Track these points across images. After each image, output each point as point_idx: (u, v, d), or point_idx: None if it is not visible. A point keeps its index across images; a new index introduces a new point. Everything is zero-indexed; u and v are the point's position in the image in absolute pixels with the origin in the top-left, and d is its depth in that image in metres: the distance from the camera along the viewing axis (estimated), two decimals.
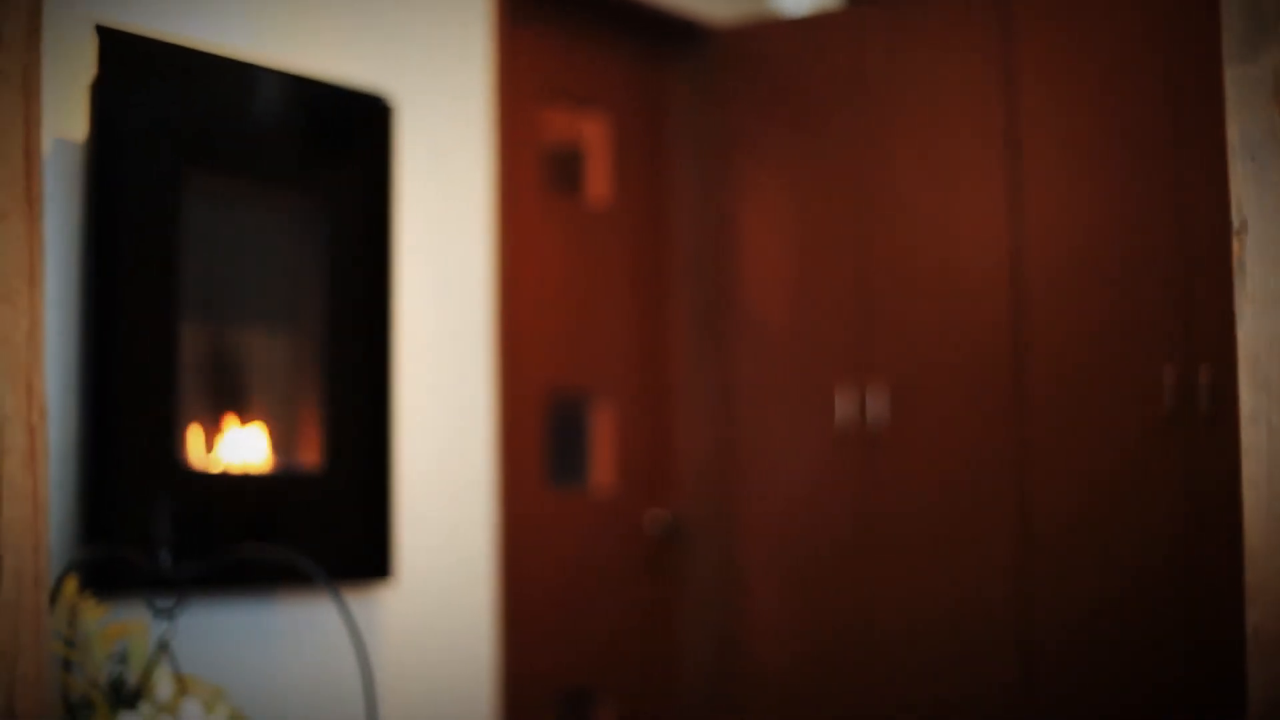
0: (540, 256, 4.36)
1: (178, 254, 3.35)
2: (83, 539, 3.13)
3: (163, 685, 2.97)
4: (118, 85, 3.24)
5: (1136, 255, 3.95)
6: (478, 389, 4.09)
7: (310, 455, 3.64)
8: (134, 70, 3.28)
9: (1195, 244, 3.84)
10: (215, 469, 3.45)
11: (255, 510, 3.49)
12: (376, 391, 3.73)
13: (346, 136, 3.74)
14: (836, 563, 4.39)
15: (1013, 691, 4.07)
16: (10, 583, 2.29)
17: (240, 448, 3.52)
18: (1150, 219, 3.94)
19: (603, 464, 4.60)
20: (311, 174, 3.70)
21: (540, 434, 4.35)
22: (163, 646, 3.01)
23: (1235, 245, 2.49)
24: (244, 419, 3.55)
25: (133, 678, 2.97)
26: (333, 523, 3.62)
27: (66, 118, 3.18)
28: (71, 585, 2.94)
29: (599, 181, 4.65)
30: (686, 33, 4.72)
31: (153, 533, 3.16)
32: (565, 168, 4.64)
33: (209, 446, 3.47)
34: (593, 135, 4.66)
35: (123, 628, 2.98)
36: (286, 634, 3.54)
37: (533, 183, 4.36)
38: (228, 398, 3.54)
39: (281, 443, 3.62)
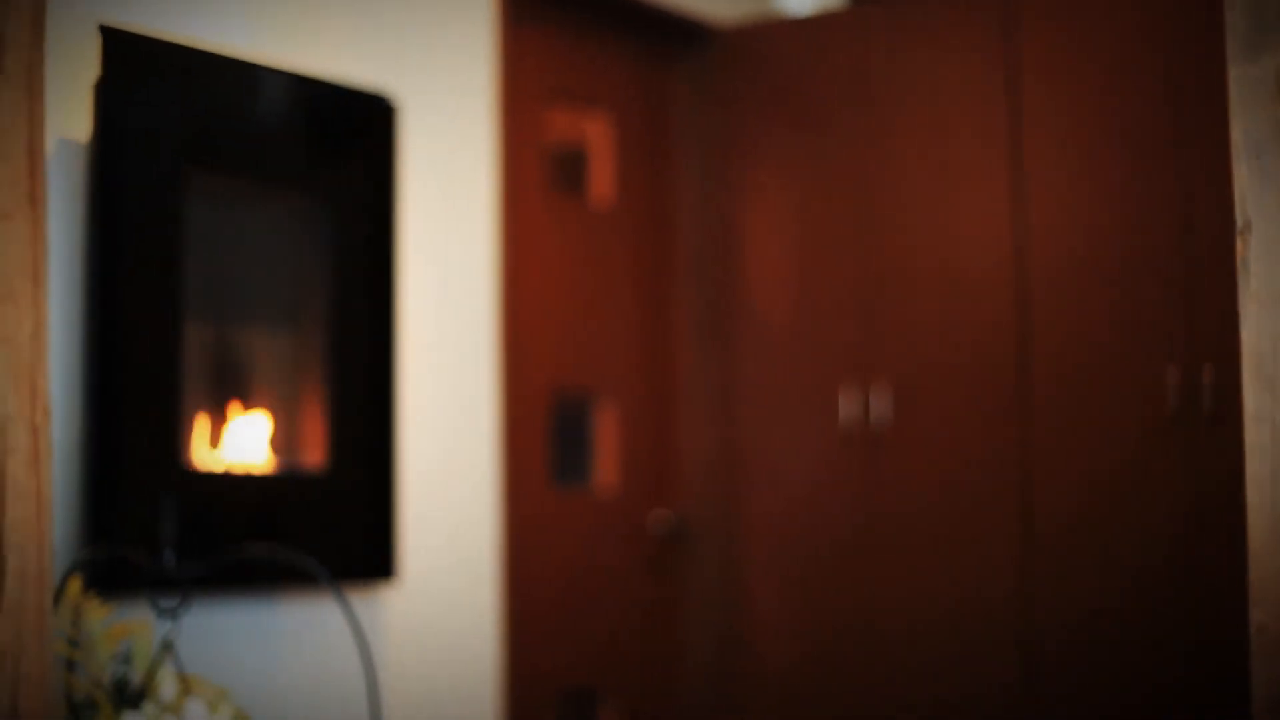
0: (543, 256, 4.36)
1: (181, 254, 3.35)
2: (86, 539, 3.13)
3: (166, 685, 2.97)
4: (121, 85, 3.24)
5: (1139, 255, 3.95)
6: (481, 388, 4.09)
7: (314, 455, 3.64)
8: (138, 70, 3.29)
9: (1198, 244, 3.84)
10: (219, 469, 3.45)
11: (259, 510, 3.49)
12: (380, 391, 3.73)
13: (350, 136, 3.74)
14: (839, 562, 4.39)
15: (1014, 691, 4.07)
16: (14, 583, 2.29)
17: (243, 447, 3.52)
18: (1153, 219, 3.93)
19: (606, 464, 4.60)
20: (315, 174, 3.70)
21: (543, 434, 4.35)
22: (166, 646, 3.01)
23: (1239, 245, 2.49)
24: (247, 419, 3.56)
25: (136, 678, 2.97)
26: (336, 522, 3.63)
27: (70, 117, 3.18)
28: (75, 585, 2.94)
29: (602, 181, 4.65)
30: (690, 33, 4.72)
31: (156, 533, 3.16)
32: (568, 168, 4.64)
33: (212, 446, 3.47)
34: (596, 135, 4.66)
35: (126, 628, 2.98)
36: (290, 634, 3.54)
37: (536, 183, 4.36)
38: (231, 397, 3.54)
39: (285, 442, 3.63)
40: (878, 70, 4.39)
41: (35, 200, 2.37)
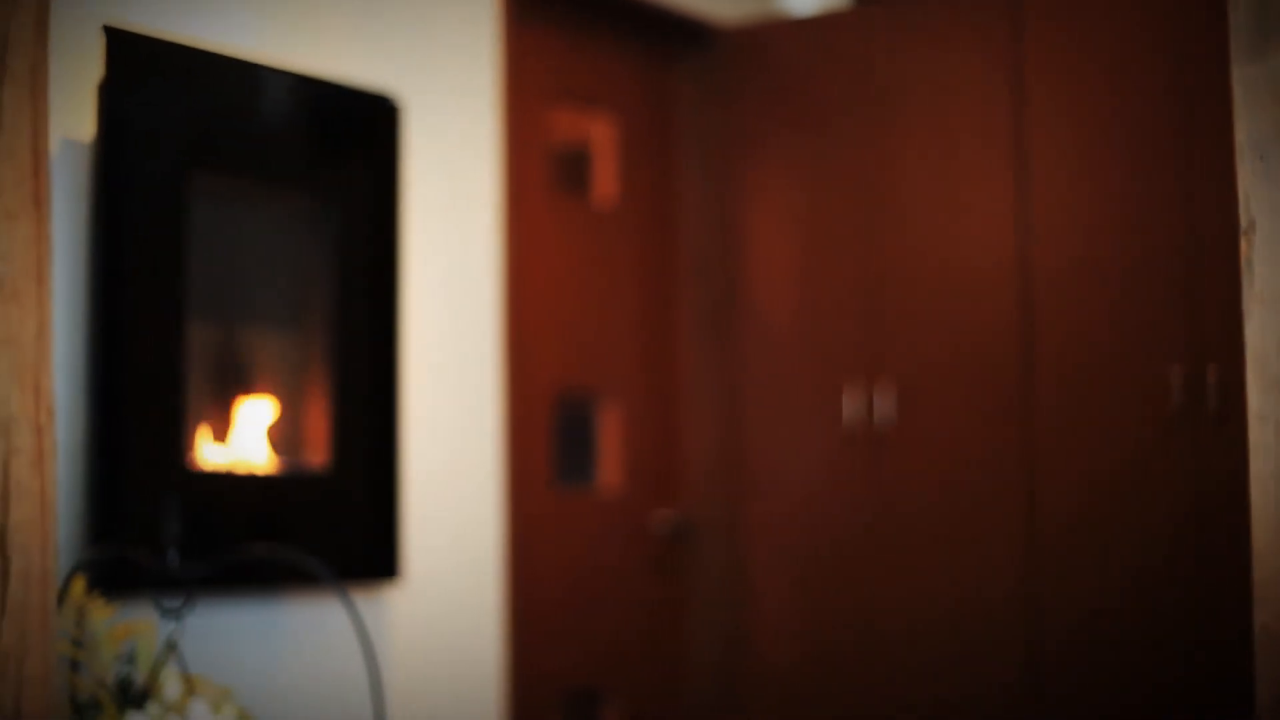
0: (547, 256, 4.36)
1: (185, 254, 3.35)
2: (90, 539, 3.13)
3: (170, 685, 2.97)
4: (125, 86, 3.24)
5: (1144, 254, 3.94)
6: (485, 388, 4.09)
7: (318, 455, 3.64)
8: (141, 71, 3.29)
9: (1202, 243, 3.83)
10: (222, 469, 3.45)
11: (262, 510, 3.49)
12: (384, 391, 3.73)
13: (353, 137, 3.74)
14: (843, 562, 4.39)
15: (1019, 690, 4.07)
16: (18, 583, 2.29)
17: (247, 447, 3.52)
18: (1157, 218, 3.93)
19: (610, 464, 4.60)
20: (318, 174, 3.70)
21: (547, 434, 4.35)
22: (170, 646, 3.01)
23: (1243, 244, 2.49)
24: (251, 419, 3.56)
25: (140, 678, 2.97)
26: (340, 523, 3.63)
27: (74, 118, 3.19)
28: (79, 585, 2.94)
29: (606, 181, 4.65)
30: (693, 33, 4.72)
31: (160, 533, 3.16)
32: (572, 168, 4.64)
33: (216, 446, 3.48)
34: (600, 135, 4.66)
35: (130, 628, 2.99)
36: (294, 634, 3.55)
37: (540, 183, 4.36)
38: (235, 397, 3.54)
39: (288, 442, 3.63)
40: (881, 70, 4.39)
41: (39, 200, 2.37)
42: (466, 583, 3.99)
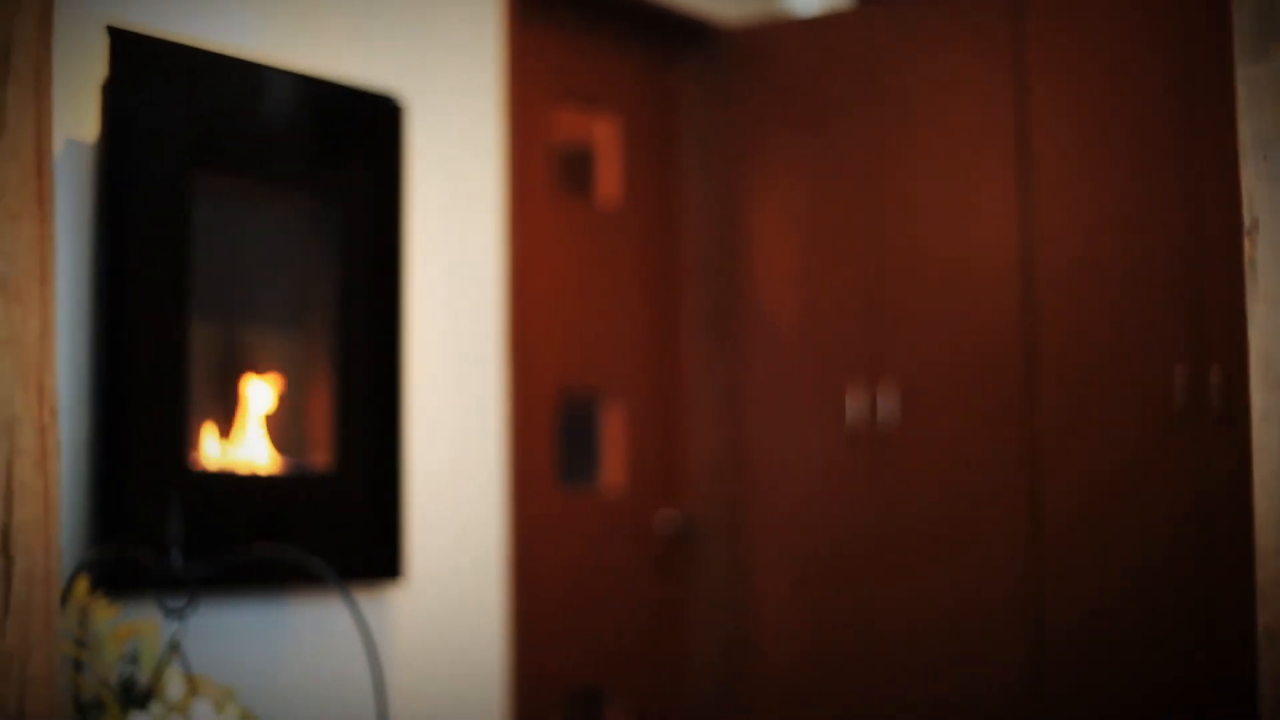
0: (550, 256, 4.36)
1: (188, 254, 3.35)
2: (94, 539, 3.13)
3: (173, 685, 2.97)
4: (129, 86, 3.24)
5: (1147, 254, 3.94)
6: (488, 388, 4.09)
7: (320, 455, 3.64)
8: (145, 71, 3.29)
9: (1206, 243, 3.83)
10: (225, 469, 3.45)
11: (266, 510, 3.49)
12: (387, 391, 3.73)
13: (356, 137, 3.74)
14: (846, 562, 4.39)
15: (1022, 690, 4.07)
16: (21, 583, 2.29)
17: (251, 447, 3.52)
18: (1160, 218, 3.93)
19: (613, 464, 4.60)
20: (322, 174, 3.70)
21: (550, 434, 4.35)
22: (173, 646, 3.01)
23: (1247, 244, 2.49)
24: (253, 418, 3.56)
25: (143, 678, 2.97)
26: (343, 523, 3.63)
27: (77, 118, 3.19)
28: (82, 585, 2.94)
29: (609, 181, 4.65)
30: (696, 33, 4.72)
31: (164, 533, 3.16)
32: (575, 168, 4.64)
33: (219, 446, 3.48)
34: (603, 135, 4.66)
35: (133, 628, 2.99)
36: (297, 634, 3.55)
37: (543, 183, 4.36)
38: (238, 397, 3.54)
39: (292, 442, 3.63)
40: (884, 70, 4.39)
41: (43, 200, 2.37)
42: (469, 582, 3.99)
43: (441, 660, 3.90)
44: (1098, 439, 3.99)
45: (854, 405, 4.37)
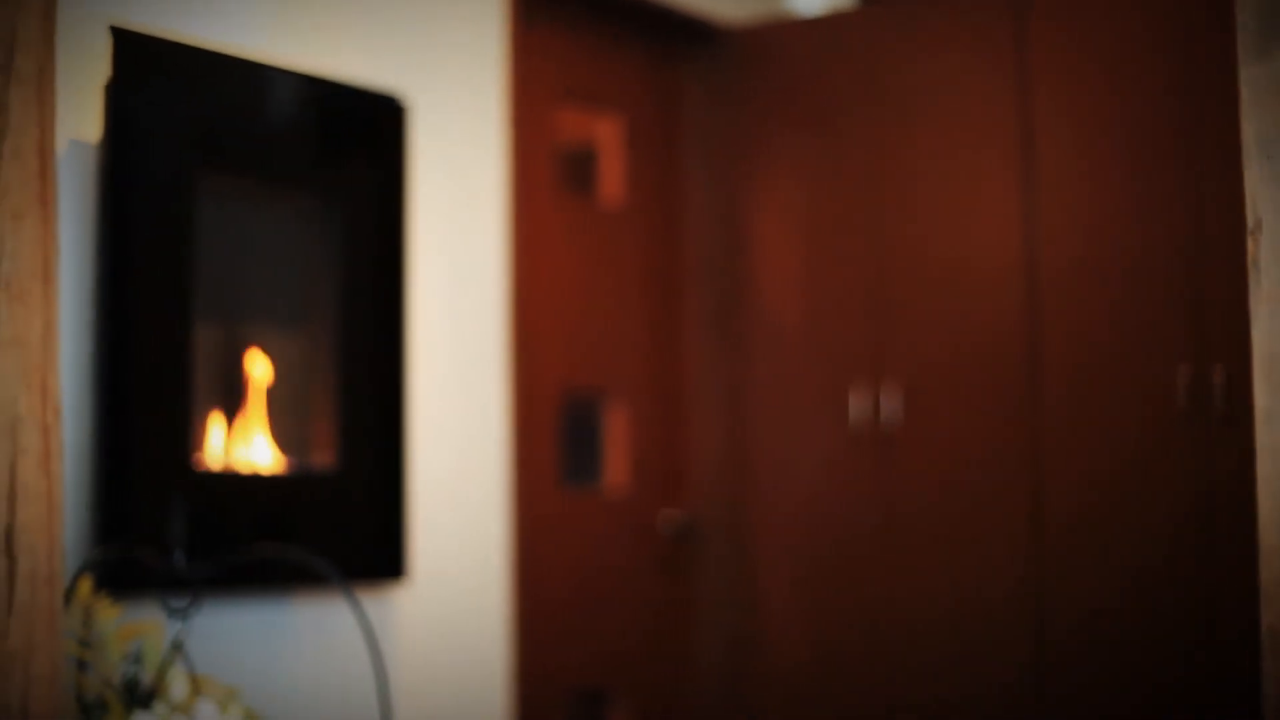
0: (553, 256, 4.36)
1: (192, 254, 3.35)
2: (97, 539, 3.13)
3: (177, 685, 2.97)
4: (132, 86, 3.24)
5: (1150, 254, 3.94)
6: (491, 388, 4.09)
7: (324, 455, 3.64)
8: (148, 71, 3.29)
9: (1210, 243, 3.83)
10: (229, 469, 3.45)
11: (269, 510, 3.49)
12: (390, 391, 3.73)
13: (360, 137, 3.74)
14: (849, 562, 4.39)
15: (1025, 690, 4.06)
16: (25, 583, 2.29)
17: (254, 447, 3.53)
18: (1164, 218, 3.93)
19: (616, 464, 4.60)
20: (325, 174, 3.70)
21: (554, 434, 4.35)
22: (177, 646, 3.01)
23: (1250, 244, 2.48)
24: (258, 419, 3.56)
25: (147, 678, 2.97)
26: (347, 523, 3.63)
27: (81, 119, 3.19)
28: (86, 585, 2.94)
29: (612, 181, 4.65)
30: (700, 33, 4.72)
31: (167, 533, 3.16)
32: (579, 168, 4.64)
33: (223, 446, 3.48)
34: (606, 135, 4.66)
35: (137, 628, 2.99)
36: (301, 634, 3.55)
37: (546, 183, 4.36)
38: (241, 398, 3.55)
39: (295, 442, 3.63)
40: (887, 70, 4.39)
41: (46, 201, 2.37)
42: (473, 583, 4.00)
43: (445, 660, 3.90)
44: (1100, 439, 3.99)
45: (857, 405, 4.36)
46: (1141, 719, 3.89)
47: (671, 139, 4.77)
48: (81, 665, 2.91)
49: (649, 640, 4.59)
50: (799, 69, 4.59)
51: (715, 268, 4.71)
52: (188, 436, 3.33)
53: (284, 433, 3.59)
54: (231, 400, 3.52)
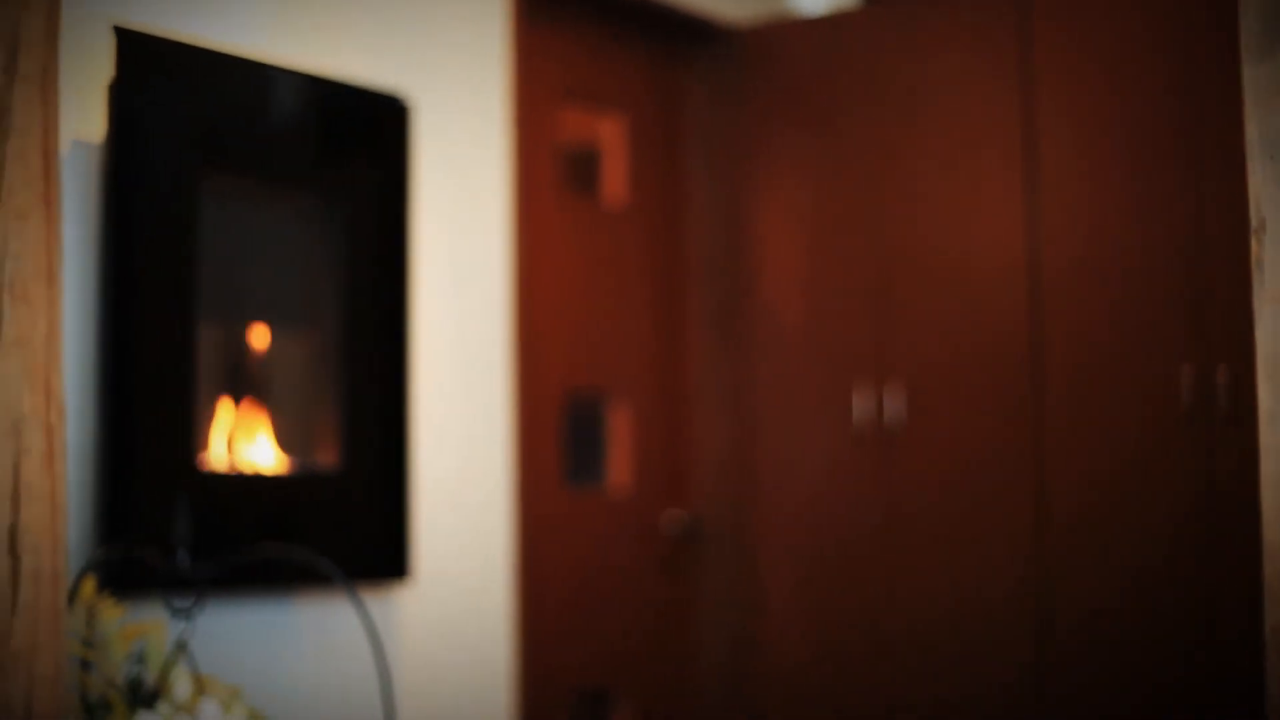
0: (557, 256, 4.36)
1: (195, 254, 3.36)
2: (101, 539, 3.14)
3: (180, 685, 2.97)
4: (135, 86, 3.25)
5: (1154, 254, 3.94)
6: (495, 389, 4.09)
7: (328, 455, 3.64)
8: (152, 71, 3.29)
9: (1213, 243, 3.83)
10: (232, 469, 3.45)
11: (273, 510, 3.49)
12: (393, 391, 3.73)
13: (363, 137, 3.74)
14: (853, 562, 4.39)
15: (1029, 689, 4.06)
16: (28, 583, 2.29)
17: (258, 447, 3.53)
18: (1167, 218, 3.93)
19: (620, 464, 4.60)
20: (328, 174, 3.70)
21: (557, 434, 4.35)
22: (180, 646, 3.01)
23: (1254, 244, 2.48)
24: (261, 419, 3.56)
25: (150, 678, 2.98)
26: (350, 523, 3.63)
27: (84, 119, 3.19)
28: (89, 585, 2.94)
29: (616, 181, 4.65)
30: (703, 33, 4.72)
31: (171, 533, 3.16)
32: (582, 168, 4.64)
33: (227, 447, 3.48)
34: (609, 135, 4.66)
35: (141, 628, 2.99)
36: (304, 634, 3.55)
37: (549, 183, 4.36)
38: (244, 397, 3.55)
39: (299, 443, 3.63)
40: (890, 70, 4.39)
41: (50, 201, 2.37)
42: (476, 583, 4.00)
43: (448, 660, 3.90)
44: (1104, 439, 3.98)
45: (859, 405, 4.36)
46: (1143, 719, 3.89)
47: (674, 139, 4.77)
48: (85, 665, 2.91)
49: (652, 640, 4.59)
50: (802, 69, 4.59)
51: (718, 268, 4.71)
52: (191, 436, 3.33)
53: (287, 433, 3.60)
54: (235, 400, 3.52)
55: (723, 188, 4.71)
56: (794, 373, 4.53)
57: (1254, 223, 2.48)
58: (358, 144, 3.73)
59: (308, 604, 3.55)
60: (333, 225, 3.69)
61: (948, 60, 4.30)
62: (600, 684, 4.49)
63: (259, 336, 3.62)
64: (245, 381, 3.57)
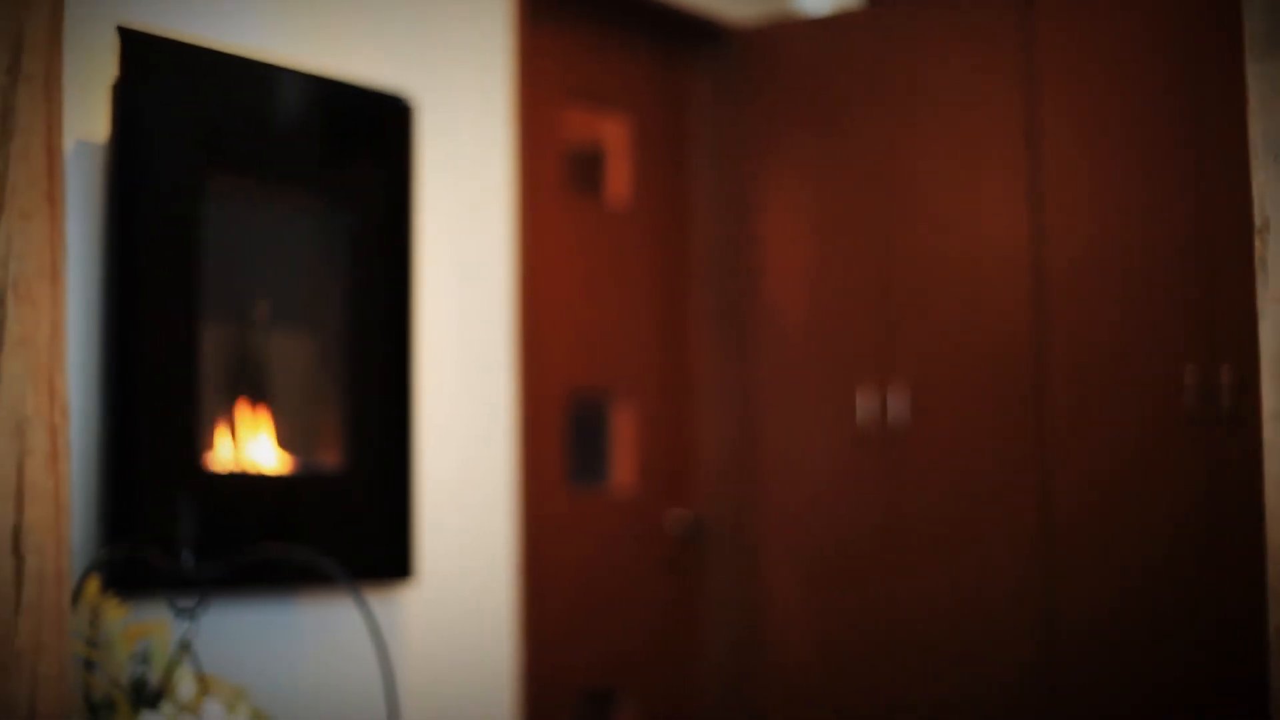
0: (561, 256, 4.36)
1: (198, 254, 3.36)
2: (105, 539, 3.14)
3: (184, 685, 2.97)
4: (139, 86, 3.25)
5: (1158, 254, 3.94)
6: (498, 388, 4.09)
7: (331, 455, 3.64)
8: (155, 71, 3.29)
9: (1217, 242, 3.83)
10: (236, 469, 3.45)
11: (276, 510, 3.50)
12: (397, 391, 3.73)
13: (367, 137, 3.74)
14: (856, 562, 4.39)
15: (1031, 689, 4.06)
16: (32, 583, 2.29)
17: (261, 448, 3.53)
18: (1172, 217, 3.92)
19: (623, 464, 4.60)
20: (332, 174, 3.71)
21: (561, 434, 4.35)
22: (184, 646, 3.01)
23: (1257, 244, 2.48)
24: (265, 419, 3.56)
25: (154, 677, 2.98)
26: (354, 523, 3.63)
27: (88, 119, 3.19)
28: (93, 585, 2.94)
29: (619, 181, 4.65)
30: (707, 33, 4.72)
31: (174, 533, 3.17)
32: (586, 168, 4.64)
33: (230, 446, 3.48)
34: (613, 135, 4.66)
35: (144, 628, 2.99)
36: (308, 634, 3.55)
37: (553, 183, 4.36)
38: (248, 398, 3.55)
39: (302, 442, 3.63)
40: (894, 70, 4.39)
41: (54, 201, 2.38)
42: (480, 582, 4.00)
43: (452, 660, 3.90)
44: (1107, 439, 3.98)
45: (864, 405, 4.36)
46: (1148, 718, 3.89)
47: (678, 139, 4.77)
48: (89, 665, 2.91)
49: (656, 640, 4.59)
50: (805, 69, 4.59)
51: (722, 267, 4.71)
52: (195, 436, 3.33)
53: (291, 432, 3.60)
54: (238, 400, 3.52)
55: (726, 188, 4.72)
56: (797, 373, 4.53)
57: (1258, 222, 2.48)
58: (361, 144, 3.73)
59: (311, 604, 3.55)
60: (336, 225, 3.69)
61: (950, 61, 4.30)
62: (603, 683, 4.49)
63: (262, 336, 3.63)
64: (249, 381, 3.57)
